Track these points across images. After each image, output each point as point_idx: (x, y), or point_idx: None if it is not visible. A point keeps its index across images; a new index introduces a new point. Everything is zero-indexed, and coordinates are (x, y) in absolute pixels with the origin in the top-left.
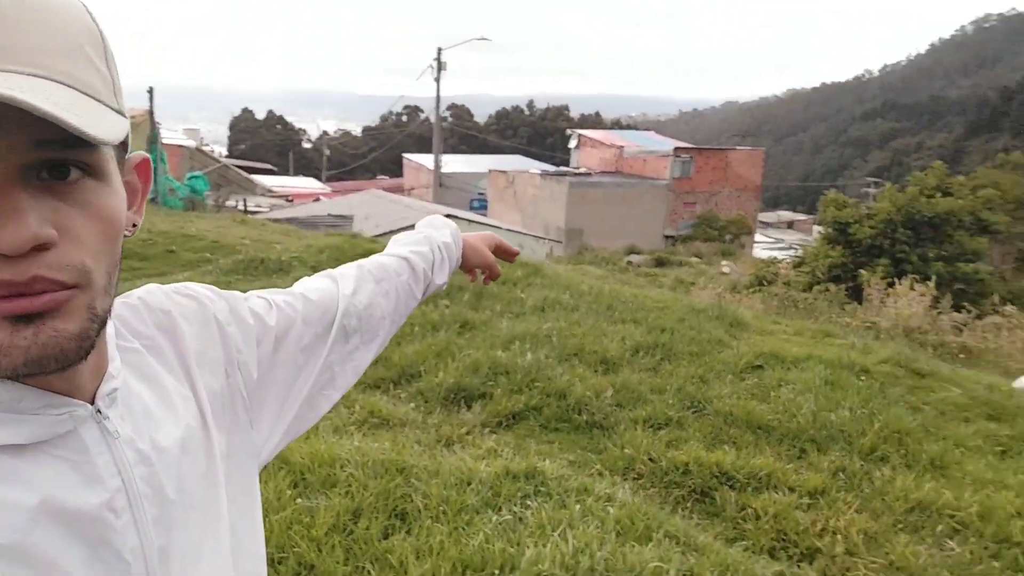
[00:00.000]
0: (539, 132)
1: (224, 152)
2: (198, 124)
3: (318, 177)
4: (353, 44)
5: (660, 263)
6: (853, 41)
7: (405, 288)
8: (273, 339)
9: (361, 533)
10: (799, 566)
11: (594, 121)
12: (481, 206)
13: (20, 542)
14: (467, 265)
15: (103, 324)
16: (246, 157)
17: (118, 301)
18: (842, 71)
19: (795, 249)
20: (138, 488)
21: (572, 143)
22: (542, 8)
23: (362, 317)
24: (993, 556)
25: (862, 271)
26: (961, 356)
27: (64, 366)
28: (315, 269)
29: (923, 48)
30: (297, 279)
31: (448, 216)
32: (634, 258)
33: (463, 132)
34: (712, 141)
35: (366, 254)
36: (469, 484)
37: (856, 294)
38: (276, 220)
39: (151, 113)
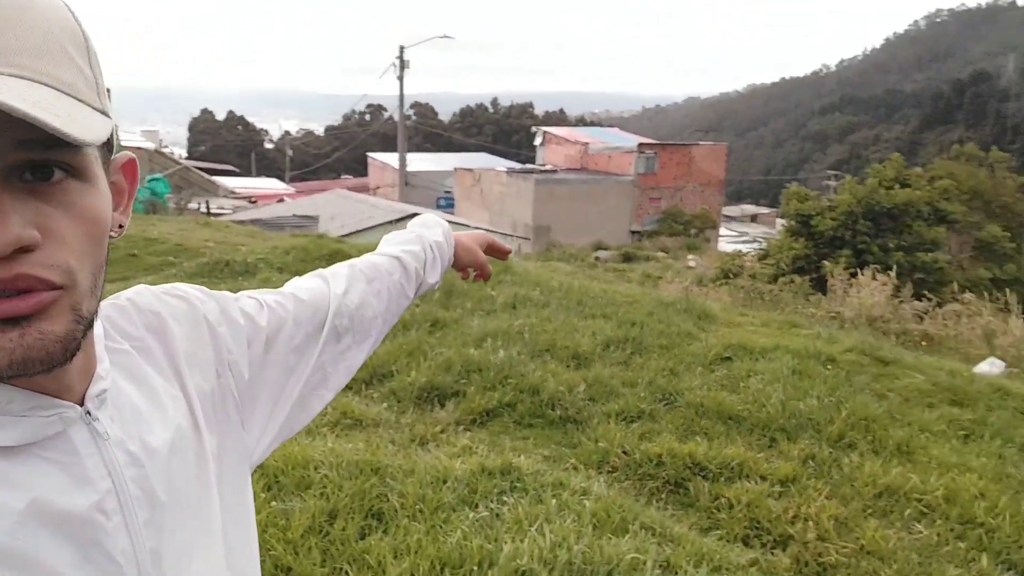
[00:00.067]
0: (504, 130)
1: (184, 154)
2: (157, 126)
3: (281, 178)
4: (315, 43)
5: (627, 258)
6: (810, 36)
7: (397, 287)
8: (264, 339)
9: (337, 534)
10: (772, 553)
11: (558, 118)
12: (448, 204)
13: (10, 545)
14: (459, 264)
15: (89, 325)
16: (207, 159)
17: (107, 302)
18: (800, 66)
19: (759, 242)
20: (129, 490)
21: (537, 140)
22: (506, 6)
23: (354, 317)
24: (958, 537)
25: (825, 262)
26: (923, 344)
27: (49, 368)
28: (281, 271)
29: (878, 43)
30: (264, 281)
31: (416, 215)
32: (601, 254)
33: (427, 130)
34: (675, 137)
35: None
36: (445, 482)
37: (820, 285)
38: (240, 222)
39: None
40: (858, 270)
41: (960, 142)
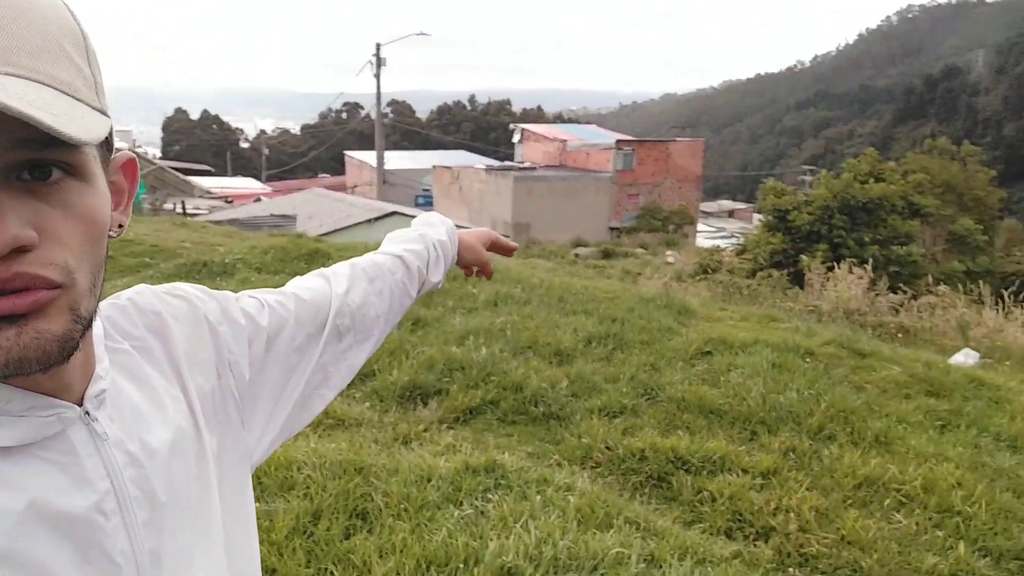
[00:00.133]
0: (482, 127)
1: (158, 154)
2: (130, 126)
3: (257, 177)
4: (290, 41)
5: (606, 255)
6: (785, 32)
7: (399, 287)
8: (265, 339)
9: (322, 534)
10: (755, 545)
11: (536, 115)
12: (426, 202)
13: (8, 546)
14: (462, 262)
15: (88, 325)
16: (181, 158)
17: (108, 302)
18: (775, 62)
19: (737, 237)
20: (128, 490)
21: (516, 138)
22: (482, 4)
23: (355, 316)
24: (936, 526)
25: (802, 256)
26: (899, 335)
27: (46, 367)
28: (260, 271)
29: (852, 38)
30: (242, 281)
31: (394, 214)
32: (581, 251)
33: (405, 128)
34: (652, 133)
35: (312, 254)
36: (429, 480)
37: (798, 279)
38: (217, 222)
39: None
40: (835, 264)
41: (932, 136)
